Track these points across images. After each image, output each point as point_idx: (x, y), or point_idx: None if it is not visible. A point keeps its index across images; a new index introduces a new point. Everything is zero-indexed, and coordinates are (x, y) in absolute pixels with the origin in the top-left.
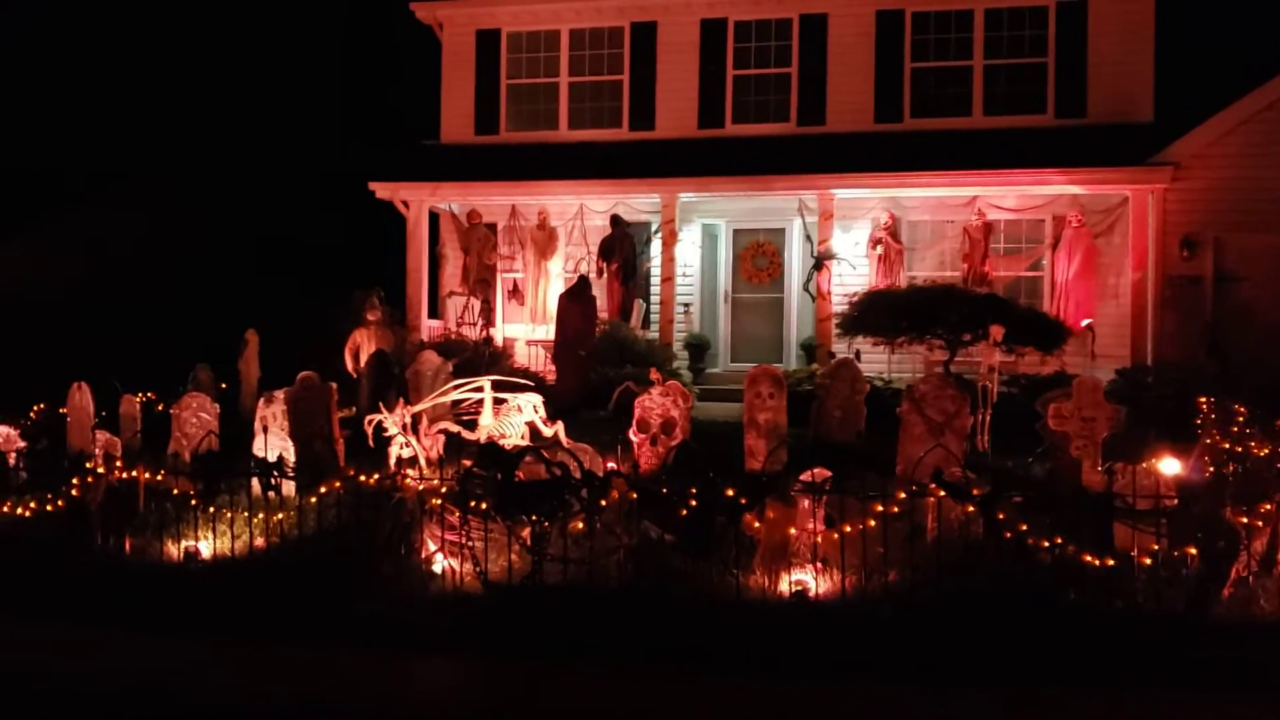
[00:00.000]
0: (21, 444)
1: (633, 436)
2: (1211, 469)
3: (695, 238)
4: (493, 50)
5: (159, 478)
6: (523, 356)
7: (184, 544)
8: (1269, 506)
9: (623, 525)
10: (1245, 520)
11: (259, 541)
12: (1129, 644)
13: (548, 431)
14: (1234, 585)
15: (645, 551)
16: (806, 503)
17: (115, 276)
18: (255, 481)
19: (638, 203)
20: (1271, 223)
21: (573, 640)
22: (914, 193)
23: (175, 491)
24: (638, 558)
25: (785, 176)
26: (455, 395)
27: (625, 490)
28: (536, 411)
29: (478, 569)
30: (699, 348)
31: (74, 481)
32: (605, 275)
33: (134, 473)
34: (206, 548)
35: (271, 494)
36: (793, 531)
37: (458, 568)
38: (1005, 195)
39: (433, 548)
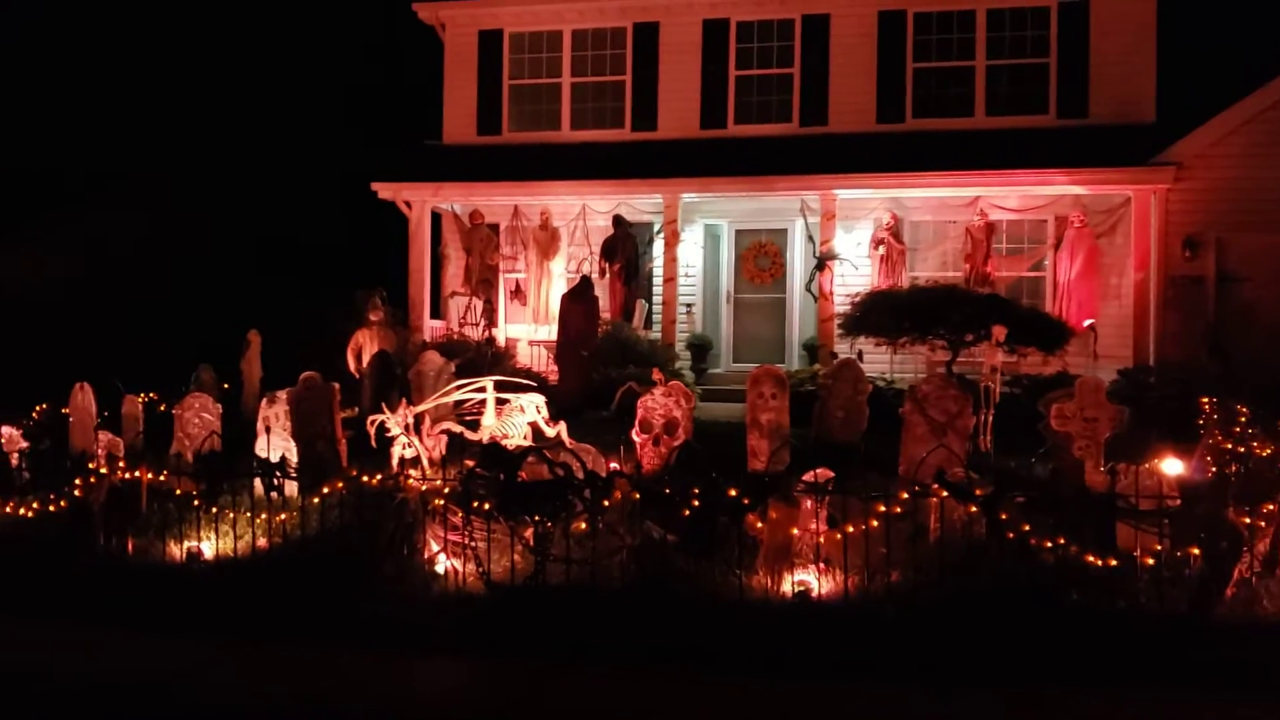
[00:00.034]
0: (24, 444)
1: (635, 437)
2: (1214, 469)
3: (697, 238)
4: (495, 50)
5: (161, 478)
6: (525, 357)
7: (186, 544)
8: (1271, 507)
9: (625, 525)
10: (1248, 520)
11: (261, 542)
12: (1132, 644)
13: (550, 432)
14: (1237, 586)
15: (648, 552)
16: (809, 503)
17: (117, 276)
18: (258, 482)
19: (640, 203)
20: (1274, 223)
21: (576, 640)
22: (916, 193)
23: (178, 492)
24: (640, 558)
25: (787, 177)
26: (458, 396)
27: (628, 490)
28: (539, 412)
29: (480, 569)
30: (701, 348)
31: (76, 482)
32: (607, 275)
33: (136, 473)
34: (209, 548)
35: (274, 494)
36: (795, 532)
37: (460, 568)
38: (1007, 195)
39: (435, 548)
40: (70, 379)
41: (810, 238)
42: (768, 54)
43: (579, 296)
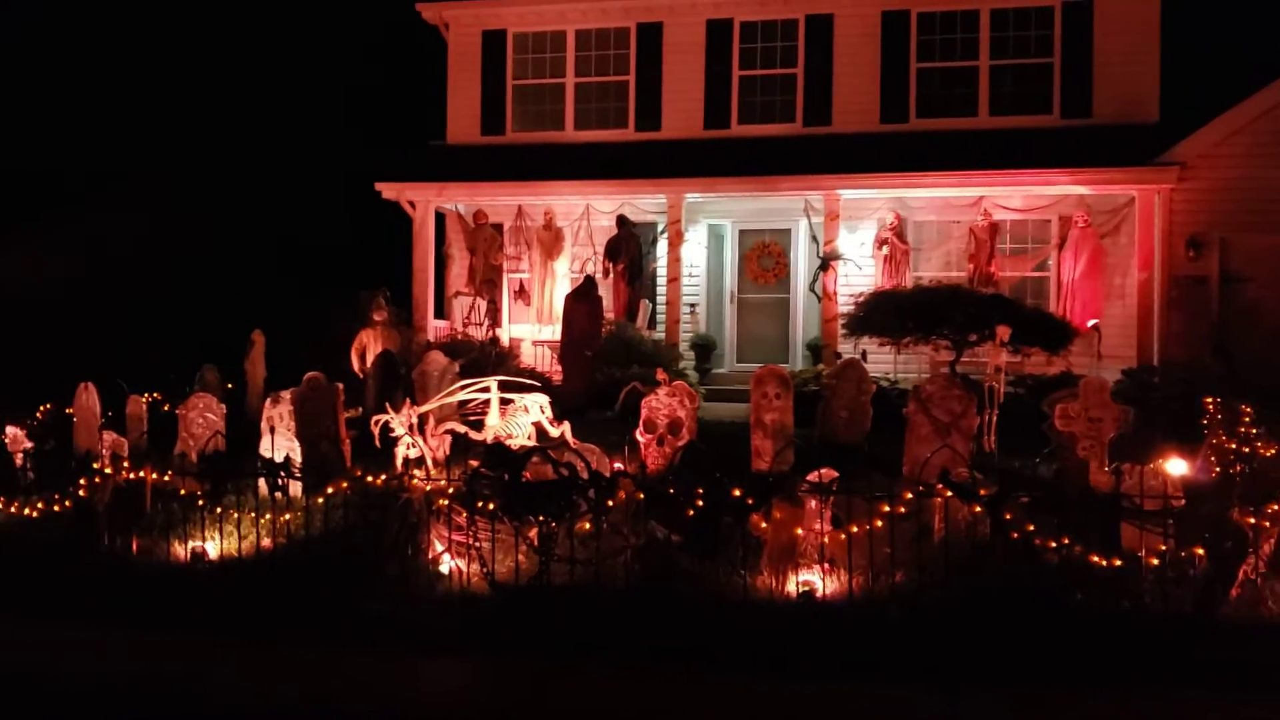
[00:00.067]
0: (29, 444)
1: (639, 437)
2: (1218, 469)
3: (701, 238)
4: (499, 51)
5: (166, 478)
6: (529, 357)
7: (191, 544)
8: (1276, 507)
9: (630, 526)
10: (1252, 521)
11: (266, 542)
12: (1136, 644)
13: (554, 432)
14: (1241, 586)
15: (652, 552)
16: (813, 503)
17: (118, 276)
18: (262, 482)
19: (644, 203)
20: (1278, 223)
21: (580, 641)
22: (920, 193)
23: (182, 492)
24: (645, 558)
25: (791, 177)
26: (462, 396)
27: (632, 491)
28: (543, 412)
29: (485, 569)
30: (705, 348)
31: (81, 482)
32: (611, 276)
33: (141, 473)
34: (213, 548)
35: (278, 494)
36: (800, 532)
37: (465, 568)
38: (1011, 195)
39: (440, 548)
40: (73, 379)
41: (814, 238)
42: (771, 54)
43: (583, 297)
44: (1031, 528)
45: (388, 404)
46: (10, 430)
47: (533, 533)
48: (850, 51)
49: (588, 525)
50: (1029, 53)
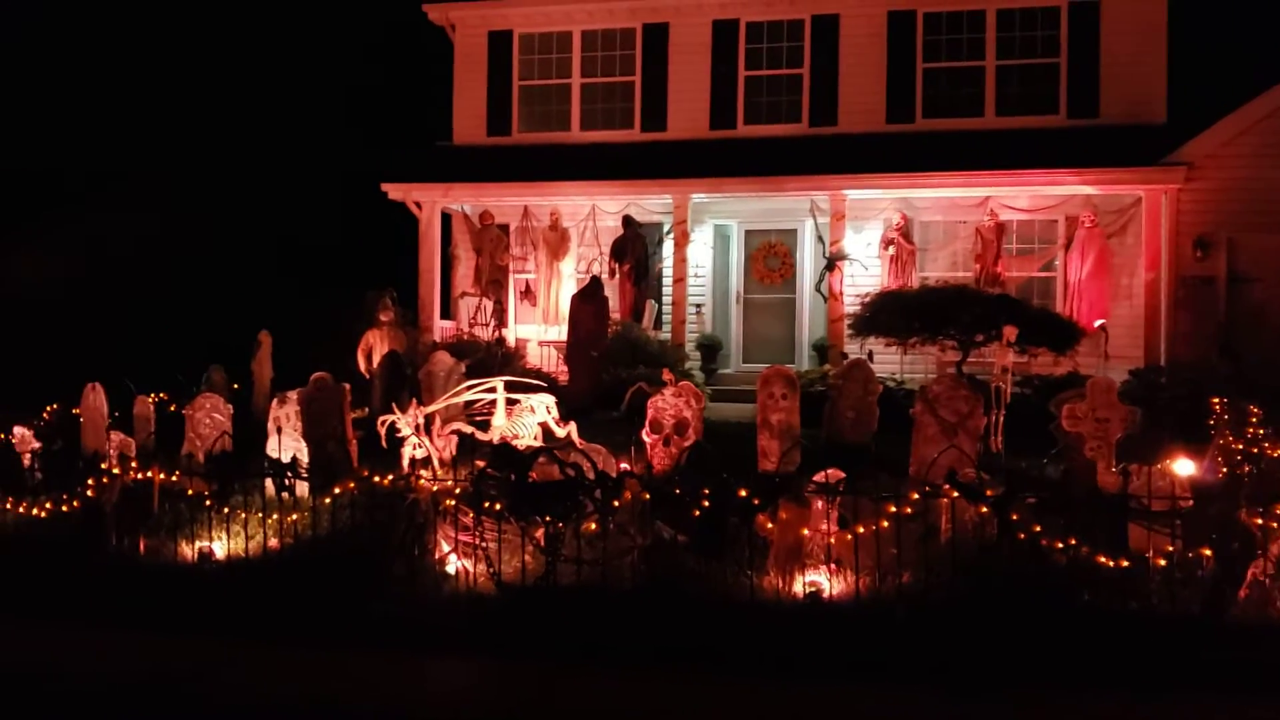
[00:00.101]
0: (36, 444)
1: (645, 437)
2: (1226, 470)
3: (707, 238)
4: (505, 51)
5: (173, 478)
6: (535, 357)
7: (198, 544)
8: None
9: (636, 526)
10: (1260, 521)
11: (273, 542)
12: (1144, 645)
13: (561, 432)
14: (1249, 587)
15: (658, 552)
16: (820, 503)
17: (121, 277)
18: (269, 482)
19: (650, 203)
20: None
21: (586, 641)
22: (926, 193)
23: (189, 492)
24: (651, 558)
25: (797, 177)
26: (468, 396)
27: (638, 491)
28: (549, 412)
29: (491, 570)
30: (711, 348)
31: (89, 482)
32: (617, 276)
33: (148, 473)
34: (220, 548)
35: (285, 495)
36: (806, 532)
37: (471, 569)
38: (1018, 195)
39: (446, 549)
40: (78, 379)
41: (820, 238)
42: (777, 54)
43: (589, 297)
44: (1038, 528)
45: (394, 404)
46: (18, 430)
47: (539, 533)
48: (856, 52)
49: (594, 525)
50: (1035, 53)
